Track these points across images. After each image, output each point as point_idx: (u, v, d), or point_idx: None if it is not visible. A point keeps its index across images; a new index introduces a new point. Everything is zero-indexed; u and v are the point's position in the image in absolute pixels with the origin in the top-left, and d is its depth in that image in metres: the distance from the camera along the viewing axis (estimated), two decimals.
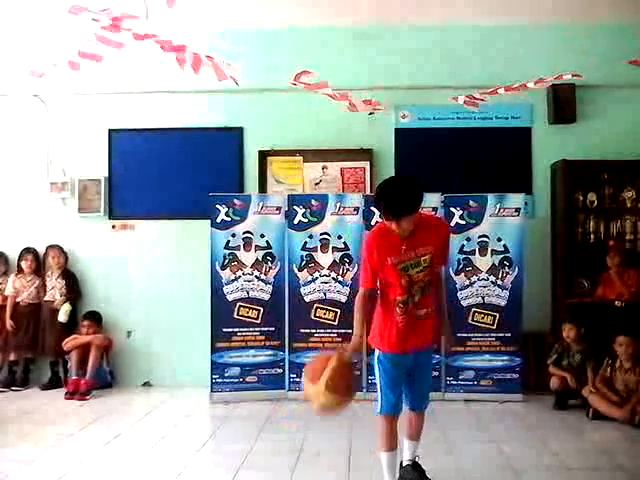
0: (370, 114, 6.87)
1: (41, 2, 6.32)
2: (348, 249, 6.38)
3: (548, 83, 5.82)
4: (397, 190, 3.60)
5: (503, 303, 6.31)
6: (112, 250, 7.24)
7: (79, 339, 6.80)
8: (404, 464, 4.11)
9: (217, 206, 6.45)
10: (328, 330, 6.31)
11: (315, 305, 6.33)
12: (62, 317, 6.91)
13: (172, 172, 7.19)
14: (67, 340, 6.79)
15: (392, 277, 3.69)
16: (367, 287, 3.80)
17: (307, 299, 6.37)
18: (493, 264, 6.33)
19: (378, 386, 3.90)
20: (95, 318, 6.99)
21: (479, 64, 6.91)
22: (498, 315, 6.31)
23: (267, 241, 6.48)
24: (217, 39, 7.03)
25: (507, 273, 6.31)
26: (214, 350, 6.39)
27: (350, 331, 3.92)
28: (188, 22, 6.84)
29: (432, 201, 6.37)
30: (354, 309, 3.85)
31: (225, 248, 6.45)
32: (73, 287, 7.10)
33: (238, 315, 6.42)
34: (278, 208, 6.51)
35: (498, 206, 6.35)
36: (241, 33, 7.03)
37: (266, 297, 6.46)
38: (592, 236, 6.76)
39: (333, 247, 6.37)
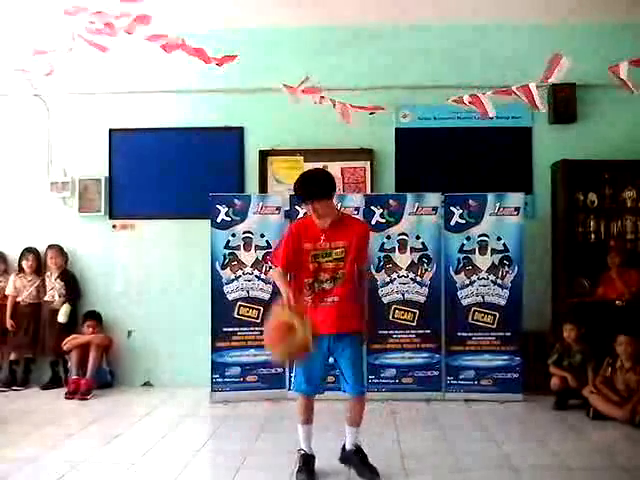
0: (371, 114, 6.86)
1: (41, 2, 6.33)
2: None
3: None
4: (310, 178, 4.26)
5: (503, 302, 6.32)
6: (112, 250, 7.26)
7: (78, 339, 6.81)
8: (347, 448, 4.38)
9: (217, 206, 6.46)
10: None
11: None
12: (61, 317, 6.91)
13: (173, 172, 7.20)
14: (66, 340, 6.79)
15: (305, 261, 4.21)
16: (279, 265, 4.30)
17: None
18: (493, 263, 6.34)
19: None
20: (96, 317, 7.00)
21: (480, 64, 6.91)
22: (498, 314, 6.31)
23: (267, 241, 6.49)
24: (217, 38, 7.03)
25: (507, 272, 6.31)
26: (214, 350, 6.40)
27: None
28: (187, 21, 6.84)
29: (432, 200, 6.39)
30: (278, 281, 4.29)
31: (225, 248, 6.46)
32: (72, 288, 7.10)
33: (238, 314, 6.43)
34: (278, 208, 6.51)
35: (498, 205, 6.35)
36: (241, 32, 7.02)
37: (266, 297, 6.45)
38: (592, 236, 6.76)
39: None
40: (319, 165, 7.08)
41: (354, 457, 4.33)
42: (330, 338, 4.20)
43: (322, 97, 6.29)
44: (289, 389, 6.39)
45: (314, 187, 4.15)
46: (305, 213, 4.86)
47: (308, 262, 4.20)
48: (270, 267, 6.43)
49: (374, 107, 6.64)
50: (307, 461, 4.32)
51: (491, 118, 5.67)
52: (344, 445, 4.42)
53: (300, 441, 4.37)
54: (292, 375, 6.34)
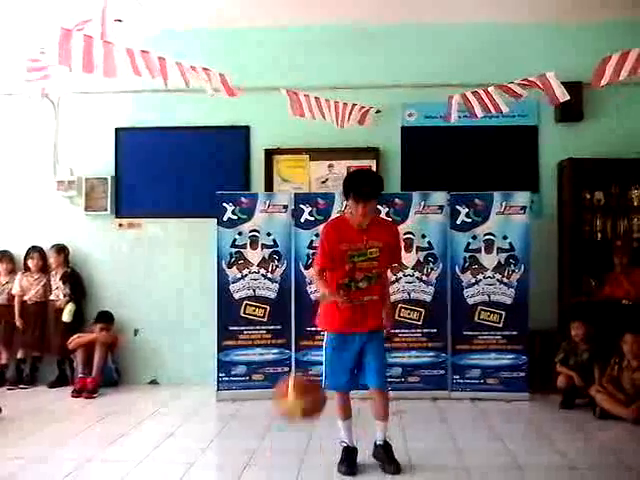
0: (377, 112, 6.88)
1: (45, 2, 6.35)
2: None
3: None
4: (371, 177, 4.48)
5: (509, 301, 6.31)
6: (119, 248, 7.27)
7: (83, 337, 6.82)
8: (377, 443, 4.47)
9: (224, 204, 6.47)
10: None
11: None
12: (66, 317, 6.93)
13: (179, 170, 7.22)
14: (71, 339, 6.80)
15: (340, 262, 4.27)
16: (322, 267, 4.42)
17: (313, 297, 6.36)
18: (499, 262, 6.33)
19: (323, 363, 4.49)
20: (108, 319, 6.98)
21: (486, 62, 6.89)
22: (504, 313, 6.31)
23: (274, 239, 6.49)
24: (222, 39, 7.06)
25: (513, 271, 6.31)
26: (221, 348, 6.41)
27: None
28: (193, 22, 6.85)
29: (438, 199, 6.39)
30: (316, 281, 4.76)
31: (232, 246, 6.46)
32: (77, 287, 7.11)
33: (245, 313, 6.44)
34: (285, 206, 6.52)
35: (504, 204, 6.34)
36: (246, 32, 7.05)
37: (272, 295, 6.47)
38: (599, 234, 6.74)
39: None
40: (325, 164, 7.12)
41: (381, 451, 4.44)
42: (363, 336, 4.33)
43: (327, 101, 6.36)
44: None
45: (373, 186, 4.23)
46: (343, 211, 4.92)
47: (344, 262, 4.26)
48: (277, 266, 6.48)
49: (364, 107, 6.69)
50: (349, 454, 4.43)
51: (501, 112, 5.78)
52: (375, 441, 4.49)
53: (342, 435, 4.46)
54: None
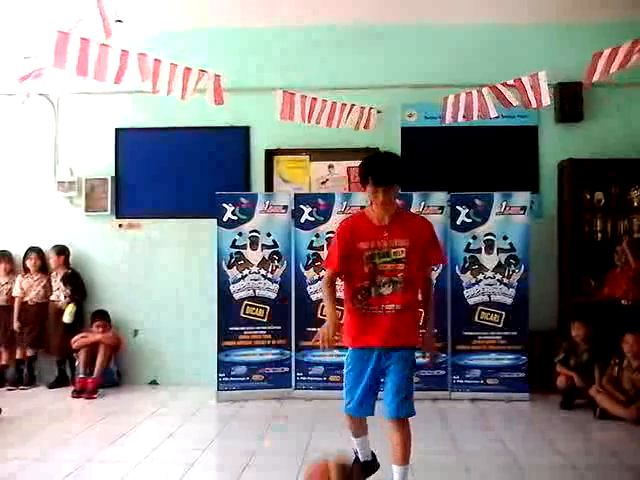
0: (378, 112, 6.87)
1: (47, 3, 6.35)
2: None
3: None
4: (392, 158, 3.76)
5: (509, 301, 6.31)
6: (119, 249, 7.27)
7: (89, 337, 6.81)
8: None
9: (224, 205, 6.46)
10: None
11: (322, 304, 6.32)
12: (67, 318, 6.91)
13: (179, 171, 7.21)
14: (76, 338, 6.80)
15: (358, 263, 3.62)
16: (333, 269, 3.73)
17: (313, 297, 6.37)
18: (499, 262, 6.33)
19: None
20: (105, 317, 7.01)
21: (485, 62, 6.88)
22: (504, 313, 6.31)
23: (273, 240, 6.49)
24: (222, 39, 7.06)
25: (513, 271, 6.31)
26: (221, 349, 6.40)
27: None
28: (193, 22, 6.85)
29: (438, 199, 6.39)
30: (323, 292, 3.83)
31: (232, 247, 6.46)
32: (77, 288, 7.10)
33: (245, 314, 6.44)
34: (284, 207, 6.51)
35: (504, 204, 6.34)
36: (246, 32, 7.04)
37: (272, 296, 6.46)
38: (599, 235, 6.74)
39: None
40: (325, 164, 7.12)
41: None
42: (382, 352, 3.62)
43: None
44: (295, 388, 6.41)
45: (395, 169, 3.64)
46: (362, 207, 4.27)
47: (362, 264, 3.60)
48: (277, 266, 6.47)
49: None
50: (364, 469, 3.96)
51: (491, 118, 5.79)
52: None
53: (356, 449, 3.98)
54: (298, 375, 6.40)
